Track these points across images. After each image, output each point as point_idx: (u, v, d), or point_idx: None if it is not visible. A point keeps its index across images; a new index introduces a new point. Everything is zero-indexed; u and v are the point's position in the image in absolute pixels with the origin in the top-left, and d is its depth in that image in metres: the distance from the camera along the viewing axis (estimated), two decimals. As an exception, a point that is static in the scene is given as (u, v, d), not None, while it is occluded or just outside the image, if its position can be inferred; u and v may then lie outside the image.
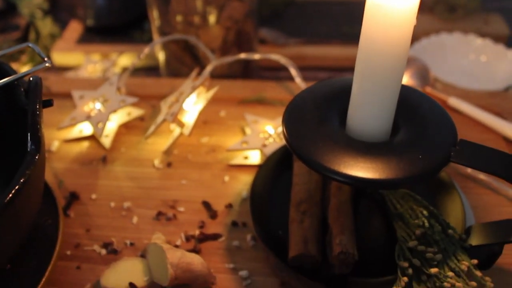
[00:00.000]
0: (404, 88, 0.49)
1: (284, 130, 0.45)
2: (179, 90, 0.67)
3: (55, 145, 0.67)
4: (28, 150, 0.43)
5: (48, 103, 0.46)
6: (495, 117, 0.69)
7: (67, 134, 0.68)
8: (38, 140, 0.43)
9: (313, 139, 0.44)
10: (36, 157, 0.42)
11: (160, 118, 0.64)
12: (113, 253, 0.53)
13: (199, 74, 0.71)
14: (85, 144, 0.67)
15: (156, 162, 0.63)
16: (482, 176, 0.61)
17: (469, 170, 0.62)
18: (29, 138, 0.43)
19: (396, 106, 0.45)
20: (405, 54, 0.41)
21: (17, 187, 0.39)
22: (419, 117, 0.47)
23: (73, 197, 0.59)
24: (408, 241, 0.46)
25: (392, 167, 0.41)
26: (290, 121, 0.46)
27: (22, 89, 0.46)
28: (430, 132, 0.45)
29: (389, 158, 0.42)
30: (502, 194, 0.60)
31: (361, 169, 0.41)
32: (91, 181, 0.62)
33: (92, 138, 0.68)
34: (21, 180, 0.40)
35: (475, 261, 0.45)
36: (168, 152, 0.65)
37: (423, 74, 0.77)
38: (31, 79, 0.46)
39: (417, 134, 0.45)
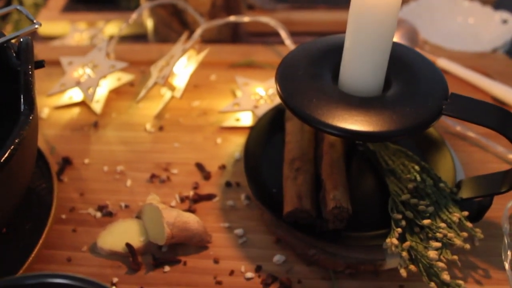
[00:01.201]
0: (396, 45, 0.49)
1: (278, 87, 0.45)
2: (169, 53, 0.66)
3: (45, 112, 0.66)
4: (22, 110, 0.42)
5: (39, 64, 0.46)
6: (484, 77, 0.69)
7: (57, 101, 0.68)
8: (31, 101, 0.43)
9: (306, 95, 0.44)
10: (30, 117, 0.42)
11: (151, 82, 0.63)
12: (108, 215, 0.53)
13: (188, 38, 0.70)
14: (76, 110, 0.67)
15: (148, 126, 0.63)
16: (470, 134, 0.62)
17: (458, 128, 0.63)
18: (22, 99, 0.43)
19: (388, 63, 0.45)
20: (397, 7, 0.41)
21: (12, 147, 0.39)
22: (411, 73, 0.47)
23: (66, 162, 0.59)
24: (400, 195, 0.47)
25: (385, 120, 0.41)
26: (283, 78, 0.46)
27: (12, 51, 0.46)
28: (422, 87, 0.45)
29: (382, 111, 0.42)
30: (490, 151, 0.60)
31: (355, 122, 0.41)
32: (83, 146, 0.61)
33: (82, 104, 0.67)
34: (16, 141, 0.40)
35: (465, 213, 0.46)
36: (159, 116, 0.65)
37: (412, 36, 0.78)
38: (21, 40, 0.45)
39: (409, 89, 0.45)
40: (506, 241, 0.50)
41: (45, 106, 0.67)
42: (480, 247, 0.50)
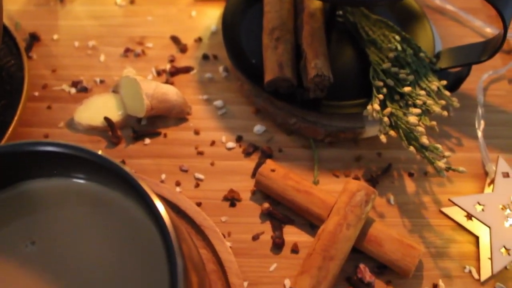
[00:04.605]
0: None
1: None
2: None
3: (5, -14, 0.62)
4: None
5: None
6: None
7: (17, -25, 0.63)
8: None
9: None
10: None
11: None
12: (83, 91, 0.52)
13: None
14: (38, -16, 0.63)
15: (118, 0, 0.60)
16: (449, 7, 0.61)
17: (437, 1, 0.61)
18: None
19: None
20: None
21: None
22: None
23: (34, 39, 0.56)
24: (381, 64, 0.47)
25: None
26: None
27: None
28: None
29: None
30: (468, 25, 0.60)
31: (340, -16, 0.40)
32: (50, 22, 0.59)
33: (45, -22, 0.63)
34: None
35: (444, 82, 0.47)
36: (129, -11, 0.62)
37: None
38: None
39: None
40: (480, 111, 0.51)
41: (5, -20, 0.63)
42: (454, 117, 0.52)
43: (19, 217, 0.31)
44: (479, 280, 0.42)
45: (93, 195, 0.31)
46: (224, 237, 0.42)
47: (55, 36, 0.57)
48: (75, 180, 0.32)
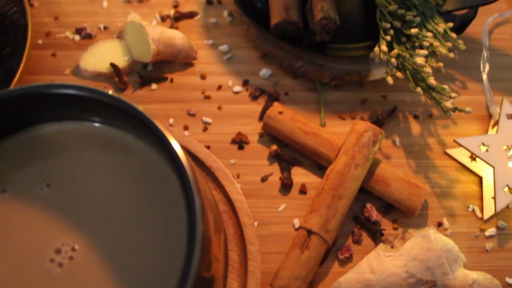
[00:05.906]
0: None
1: None
2: None
3: None
4: None
5: None
6: None
7: None
8: None
9: None
10: None
11: None
12: (88, 38, 0.52)
13: None
14: None
15: None
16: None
17: None
18: None
19: None
20: None
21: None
22: None
23: (34, -15, 0.56)
24: (388, 6, 0.46)
25: None
26: None
27: None
28: None
29: None
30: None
31: None
32: (49, -31, 0.58)
33: None
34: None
35: (450, 24, 0.46)
36: None
37: None
38: None
39: None
40: (485, 54, 0.51)
41: None
42: (460, 61, 0.52)
43: (34, 160, 0.31)
44: (482, 218, 0.43)
45: (107, 137, 0.32)
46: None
47: (56, -17, 0.56)
48: (89, 123, 0.32)
